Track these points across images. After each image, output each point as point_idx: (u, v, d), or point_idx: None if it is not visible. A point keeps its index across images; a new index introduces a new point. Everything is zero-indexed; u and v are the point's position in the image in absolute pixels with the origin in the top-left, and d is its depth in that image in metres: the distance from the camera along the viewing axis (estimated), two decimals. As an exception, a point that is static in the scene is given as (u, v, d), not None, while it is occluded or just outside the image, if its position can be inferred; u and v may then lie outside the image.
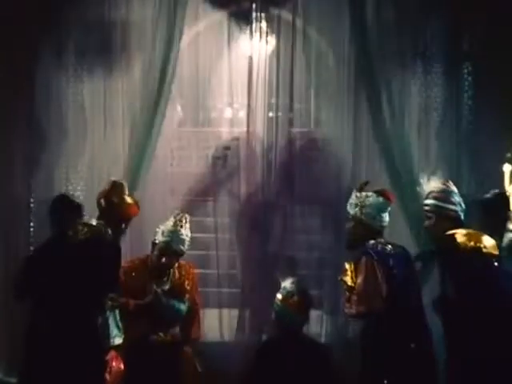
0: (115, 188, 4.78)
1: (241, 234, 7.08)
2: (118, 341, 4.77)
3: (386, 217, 4.71)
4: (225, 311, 6.93)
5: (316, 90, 7.38)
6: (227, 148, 7.59)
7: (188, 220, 5.56)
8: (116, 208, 4.70)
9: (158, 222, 5.86)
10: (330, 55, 7.37)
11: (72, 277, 4.36)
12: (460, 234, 4.16)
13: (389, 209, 4.73)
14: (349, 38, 7.01)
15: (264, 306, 6.19)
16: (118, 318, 4.77)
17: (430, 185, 4.57)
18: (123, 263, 5.15)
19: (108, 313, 4.60)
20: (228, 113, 7.99)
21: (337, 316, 6.63)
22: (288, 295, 4.86)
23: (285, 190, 7.01)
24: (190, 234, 5.55)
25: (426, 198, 4.69)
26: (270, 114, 7.25)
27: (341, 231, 6.45)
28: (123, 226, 4.79)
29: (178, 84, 7.18)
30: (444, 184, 4.68)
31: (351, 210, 4.73)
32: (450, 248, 4.15)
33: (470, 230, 4.25)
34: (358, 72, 7.00)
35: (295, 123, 7.35)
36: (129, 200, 4.81)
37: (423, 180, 4.59)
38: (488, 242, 4.14)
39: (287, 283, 4.91)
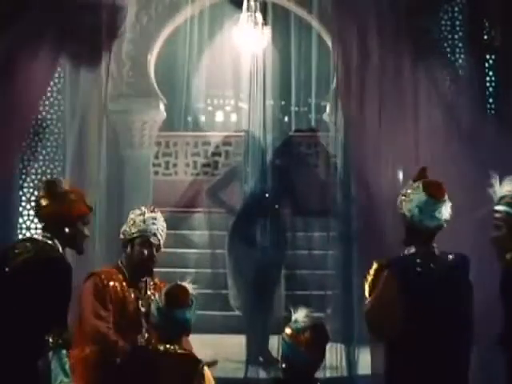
0: (47, 189, 3.93)
1: (234, 249, 6.49)
2: None
3: (433, 218, 3.78)
4: (213, 337, 6.29)
5: (317, 88, 6.88)
6: (217, 154, 7.16)
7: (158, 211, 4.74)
8: (54, 212, 3.85)
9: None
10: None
11: (9, 310, 3.58)
12: None
13: (438, 207, 3.88)
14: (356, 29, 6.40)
15: (262, 332, 5.81)
16: (64, 359, 3.90)
17: (504, 188, 3.80)
18: (98, 273, 4.39)
19: (51, 354, 3.73)
20: (219, 116, 7.63)
21: (349, 346, 5.87)
22: (299, 331, 4.05)
23: (283, 200, 6.54)
24: (164, 225, 4.68)
25: (498, 203, 3.92)
26: (267, 116, 6.75)
27: (347, 244, 6.10)
28: (67, 230, 3.92)
29: (160, 82, 6.75)
30: None
31: (398, 202, 3.95)
32: None
33: None
34: (366, 67, 6.36)
35: (295, 124, 6.82)
36: (71, 197, 3.91)
37: (495, 182, 3.82)
38: None
39: (300, 316, 4.09)
